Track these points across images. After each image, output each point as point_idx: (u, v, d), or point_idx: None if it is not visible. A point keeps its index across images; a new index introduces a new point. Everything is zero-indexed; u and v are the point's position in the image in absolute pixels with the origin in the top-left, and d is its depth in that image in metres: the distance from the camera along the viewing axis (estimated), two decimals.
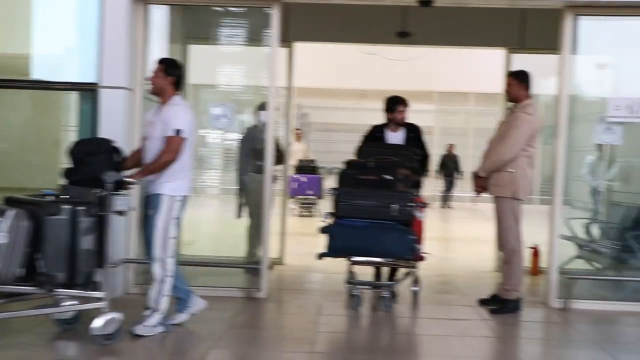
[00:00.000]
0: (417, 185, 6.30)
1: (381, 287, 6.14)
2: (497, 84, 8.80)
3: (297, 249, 8.95)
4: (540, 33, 7.91)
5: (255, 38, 7.20)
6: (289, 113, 9.10)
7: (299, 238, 10.33)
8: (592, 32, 6.44)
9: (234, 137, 7.41)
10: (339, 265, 8.46)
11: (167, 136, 4.89)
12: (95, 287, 4.68)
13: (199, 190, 7.49)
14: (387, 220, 5.77)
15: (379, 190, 5.87)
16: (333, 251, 5.85)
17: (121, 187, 4.67)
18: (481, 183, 6.13)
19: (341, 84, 20.17)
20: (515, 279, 6.04)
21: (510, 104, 6.26)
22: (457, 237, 12.40)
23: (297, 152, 15.47)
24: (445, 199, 18.57)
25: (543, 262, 7.31)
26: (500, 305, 6.06)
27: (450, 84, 19.06)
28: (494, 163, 5.99)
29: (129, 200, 4.77)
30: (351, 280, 6.11)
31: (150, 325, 4.90)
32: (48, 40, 4.68)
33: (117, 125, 6.05)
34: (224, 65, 7.48)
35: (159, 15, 6.91)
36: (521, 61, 7.89)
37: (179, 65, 5.16)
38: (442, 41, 9.48)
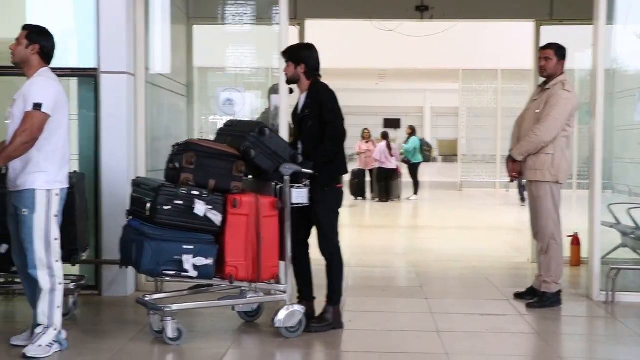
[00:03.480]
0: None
1: None
2: (526, 60, 8.69)
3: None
4: (572, 2, 7.77)
5: (263, 16, 7.14)
6: None
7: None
8: None
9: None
10: (362, 258, 8.44)
11: (25, 112, 4.39)
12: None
13: None
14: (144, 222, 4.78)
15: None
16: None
17: None
18: (517, 167, 6.03)
19: (357, 64, 20.03)
20: (554, 270, 5.94)
21: (541, 80, 6.13)
22: (487, 226, 12.29)
23: None
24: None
25: (584, 252, 7.20)
26: (538, 298, 5.97)
27: (476, 61, 18.87)
28: (532, 145, 5.87)
29: None
30: None
31: (44, 344, 4.46)
32: (45, 24, 4.62)
33: (119, 112, 6.02)
34: (231, 46, 7.42)
35: None
36: (551, 33, 7.78)
37: (47, 32, 4.63)
38: (465, 15, 9.37)
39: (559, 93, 5.86)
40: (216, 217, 4.71)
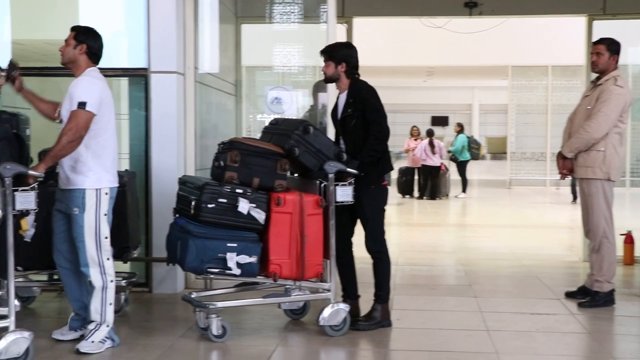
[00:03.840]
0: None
1: None
2: (578, 55, 8.56)
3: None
4: None
5: (311, 15, 7.15)
6: None
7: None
8: None
9: None
10: (410, 256, 8.40)
11: (71, 111, 4.43)
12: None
13: None
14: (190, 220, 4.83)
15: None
16: None
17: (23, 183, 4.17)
18: (568, 165, 5.93)
19: (405, 61, 19.93)
20: (606, 269, 5.83)
21: (593, 75, 6.03)
22: (538, 224, 12.12)
23: None
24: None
25: (638, 251, 7.06)
26: (590, 297, 5.87)
27: (526, 57, 18.62)
28: (584, 141, 5.77)
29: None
30: None
31: (97, 340, 4.55)
32: (96, 25, 4.69)
33: (168, 111, 6.08)
34: (279, 45, 7.45)
35: None
36: (604, 28, 7.63)
37: (94, 33, 4.68)
38: (515, 10, 9.26)
39: (611, 89, 5.74)
40: (260, 215, 4.74)
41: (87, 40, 4.60)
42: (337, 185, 4.89)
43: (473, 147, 18.06)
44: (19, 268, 5.15)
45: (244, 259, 4.70)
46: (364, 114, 5.02)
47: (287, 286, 5.04)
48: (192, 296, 4.95)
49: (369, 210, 5.08)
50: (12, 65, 4.65)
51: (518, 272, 7.45)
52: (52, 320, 4.83)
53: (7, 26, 4.86)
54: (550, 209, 15.14)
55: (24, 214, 4.28)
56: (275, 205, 4.79)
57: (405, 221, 12.86)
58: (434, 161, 16.00)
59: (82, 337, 4.61)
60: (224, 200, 4.68)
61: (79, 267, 4.60)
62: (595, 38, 6.21)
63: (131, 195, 5.37)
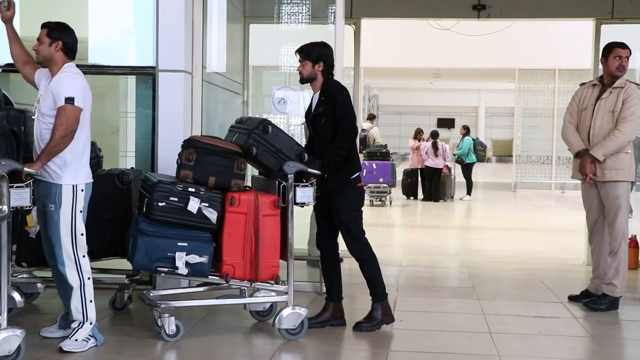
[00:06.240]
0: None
1: None
2: (585, 59, 8.52)
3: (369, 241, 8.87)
4: (633, 0, 7.59)
5: (319, 15, 7.14)
6: (357, 95, 9.00)
7: (370, 229, 10.24)
8: None
9: (300, 122, 7.36)
10: (413, 258, 8.40)
11: (58, 108, 4.39)
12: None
13: None
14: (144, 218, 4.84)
15: None
16: None
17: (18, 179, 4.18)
18: (594, 168, 5.88)
19: (412, 63, 19.91)
20: (623, 273, 5.82)
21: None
22: (542, 227, 12.10)
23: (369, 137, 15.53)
24: None
25: None
26: (596, 297, 5.86)
27: (533, 60, 18.58)
28: (618, 144, 5.75)
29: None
30: None
31: (80, 338, 4.52)
32: (105, 23, 4.69)
33: (175, 109, 6.07)
34: (287, 45, 7.44)
35: None
36: (612, 32, 7.61)
37: (67, 28, 4.60)
38: (523, 13, 9.23)
39: (638, 92, 5.80)
40: (212, 215, 4.68)
41: (62, 37, 4.54)
42: (298, 186, 4.80)
43: (479, 149, 18.03)
44: (24, 264, 5.18)
45: (194, 258, 4.65)
46: (333, 113, 4.95)
47: (242, 287, 5.02)
48: (150, 295, 4.89)
49: (344, 213, 5.02)
50: (8, 2, 4.72)
51: (521, 275, 7.44)
52: (55, 317, 4.84)
53: (16, 24, 4.87)
54: (555, 213, 15.11)
55: (26, 210, 4.29)
56: (229, 205, 4.74)
57: (409, 223, 12.85)
58: (436, 163, 15.97)
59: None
60: (175, 199, 4.65)
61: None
62: (603, 42, 6.20)
63: (136, 193, 5.38)
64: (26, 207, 4.24)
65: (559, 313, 5.78)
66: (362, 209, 5.18)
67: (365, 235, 5.13)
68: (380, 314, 5.12)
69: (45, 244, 4.64)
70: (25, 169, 4.16)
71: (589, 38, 8.14)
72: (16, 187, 4.14)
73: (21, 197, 4.17)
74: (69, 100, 4.36)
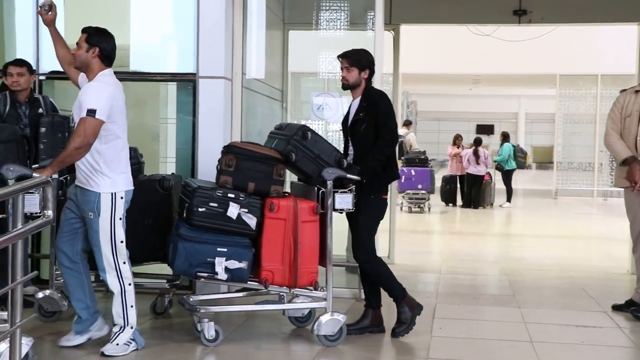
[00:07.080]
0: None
1: None
2: (629, 64, 8.41)
3: (407, 248, 8.85)
4: None
5: (358, 21, 7.14)
6: (395, 101, 8.97)
7: (409, 235, 10.25)
8: None
9: (338, 128, 7.36)
10: (452, 265, 8.33)
11: (80, 118, 4.37)
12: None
13: None
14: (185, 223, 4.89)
15: None
16: None
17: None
18: None
19: (452, 69, 19.84)
20: None
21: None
22: (584, 235, 11.92)
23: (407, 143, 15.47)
24: None
25: None
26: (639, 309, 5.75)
27: (575, 65, 18.36)
28: None
29: None
30: None
31: (122, 342, 4.54)
32: (146, 30, 4.73)
33: (215, 116, 6.11)
34: (326, 51, 7.46)
35: (257, 1, 6.94)
36: None
37: (107, 34, 4.56)
38: (564, 18, 9.15)
39: None
40: (251, 220, 4.69)
41: (100, 43, 4.50)
42: (337, 192, 4.81)
43: (519, 156, 17.83)
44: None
45: (233, 264, 4.67)
46: (375, 119, 4.94)
47: (281, 293, 5.03)
48: (190, 300, 4.95)
49: (364, 220, 4.99)
50: (49, 6, 4.82)
51: (563, 283, 7.33)
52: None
53: (61, 31, 4.97)
54: (597, 220, 14.88)
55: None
56: (268, 211, 4.75)
57: (448, 230, 12.76)
58: (478, 170, 15.84)
59: (89, 340, 4.64)
60: (215, 205, 4.67)
61: (81, 267, 4.64)
62: None
63: (177, 199, 5.42)
64: (35, 213, 4.25)
65: (603, 322, 5.68)
66: (381, 222, 5.14)
67: (375, 245, 5.11)
68: (408, 311, 5.06)
69: (62, 244, 4.65)
70: (34, 174, 4.12)
71: (633, 42, 8.02)
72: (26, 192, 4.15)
73: (31, 203, 4.19)
74: (91, 112, 4.32)
